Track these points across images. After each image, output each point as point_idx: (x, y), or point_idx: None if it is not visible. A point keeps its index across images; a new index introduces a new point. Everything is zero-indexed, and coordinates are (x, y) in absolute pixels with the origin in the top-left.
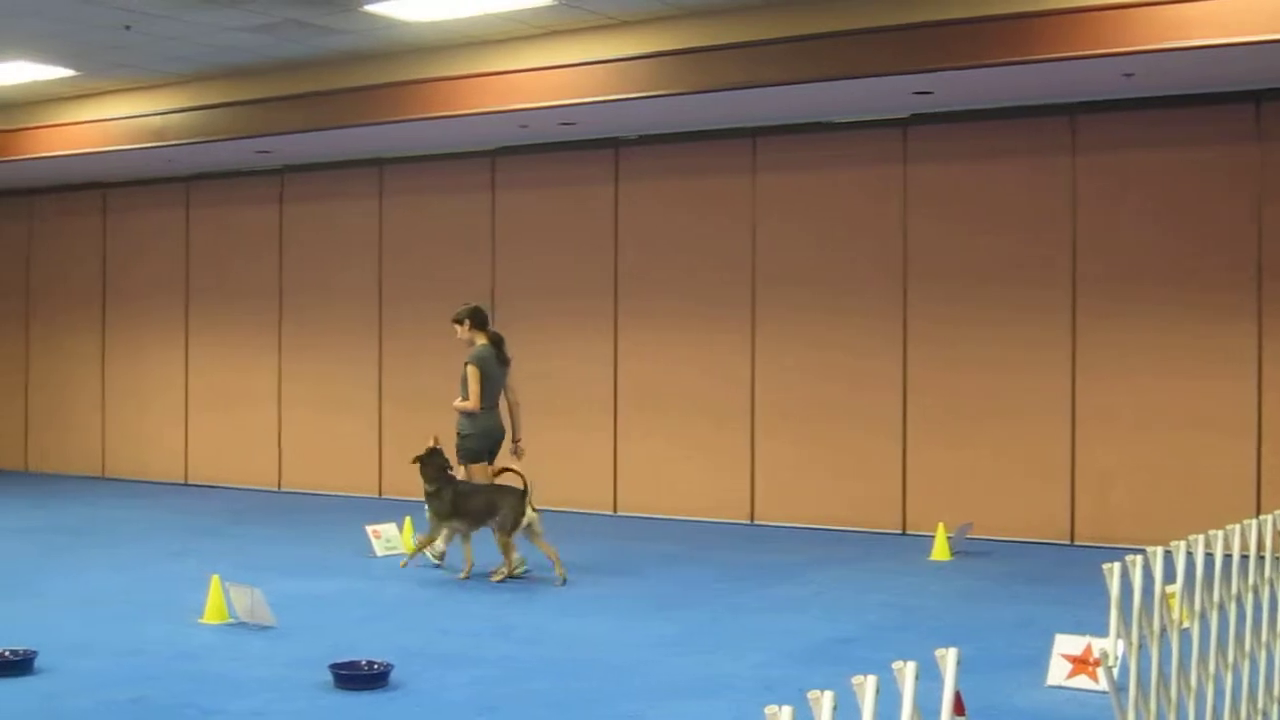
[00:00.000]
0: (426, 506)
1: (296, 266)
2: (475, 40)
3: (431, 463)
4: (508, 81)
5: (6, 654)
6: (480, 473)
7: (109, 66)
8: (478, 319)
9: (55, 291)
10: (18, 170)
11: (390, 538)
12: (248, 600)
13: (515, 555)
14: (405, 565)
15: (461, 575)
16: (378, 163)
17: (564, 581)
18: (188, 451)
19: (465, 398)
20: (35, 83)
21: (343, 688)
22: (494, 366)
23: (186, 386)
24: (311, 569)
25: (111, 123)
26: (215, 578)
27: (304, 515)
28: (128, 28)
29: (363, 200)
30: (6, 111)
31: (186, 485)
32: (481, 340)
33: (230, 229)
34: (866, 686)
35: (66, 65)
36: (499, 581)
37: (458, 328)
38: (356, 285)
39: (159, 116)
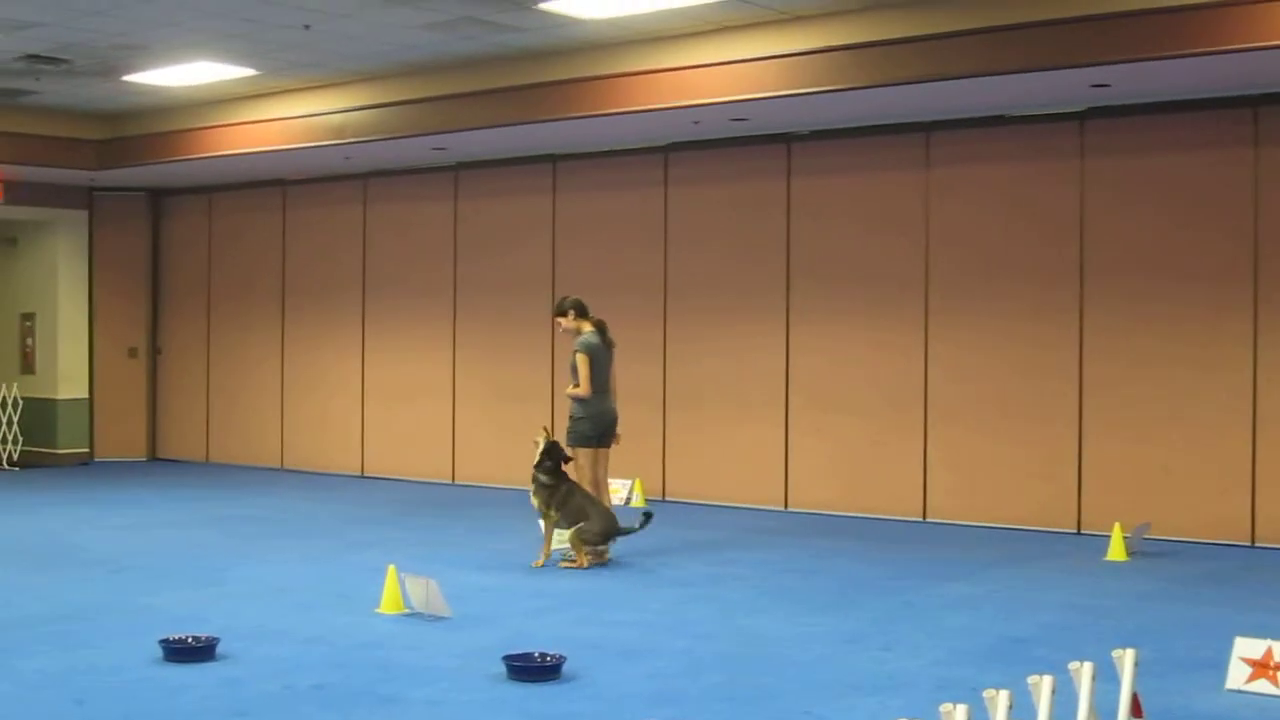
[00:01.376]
0: (535, 497)
1: (471, 262)
2: (649, 36)
3: (552, 455)
4: (681, 77)
5: (190, 640)
6: (587, 457)
7: (289, 66)
8: (580, 309)
9: (235, 287)
10: (200, 168)
11: (562, 531)
12: (423, 591)
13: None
14: (540, 565)
15: (537, 563)
16: (551, 159)
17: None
18: (364, 444)
19: (576, 384)
20: (217, 82)
21: (516, 679)
22: (602, 353)
23: (363, 380)
24: (485, 561)
25: (291, 121)
26: (392, 569)
27: (477, 508)
28: (307, 27)
29: (537, 196)
30: (189, 111)
31: (363, 478)
32: (587, 328)
33: (406, 225)
34: (1043, 686)
35: (247, 65)
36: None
37: (561, 320)
38: (530, 280)
39: (338, 115)
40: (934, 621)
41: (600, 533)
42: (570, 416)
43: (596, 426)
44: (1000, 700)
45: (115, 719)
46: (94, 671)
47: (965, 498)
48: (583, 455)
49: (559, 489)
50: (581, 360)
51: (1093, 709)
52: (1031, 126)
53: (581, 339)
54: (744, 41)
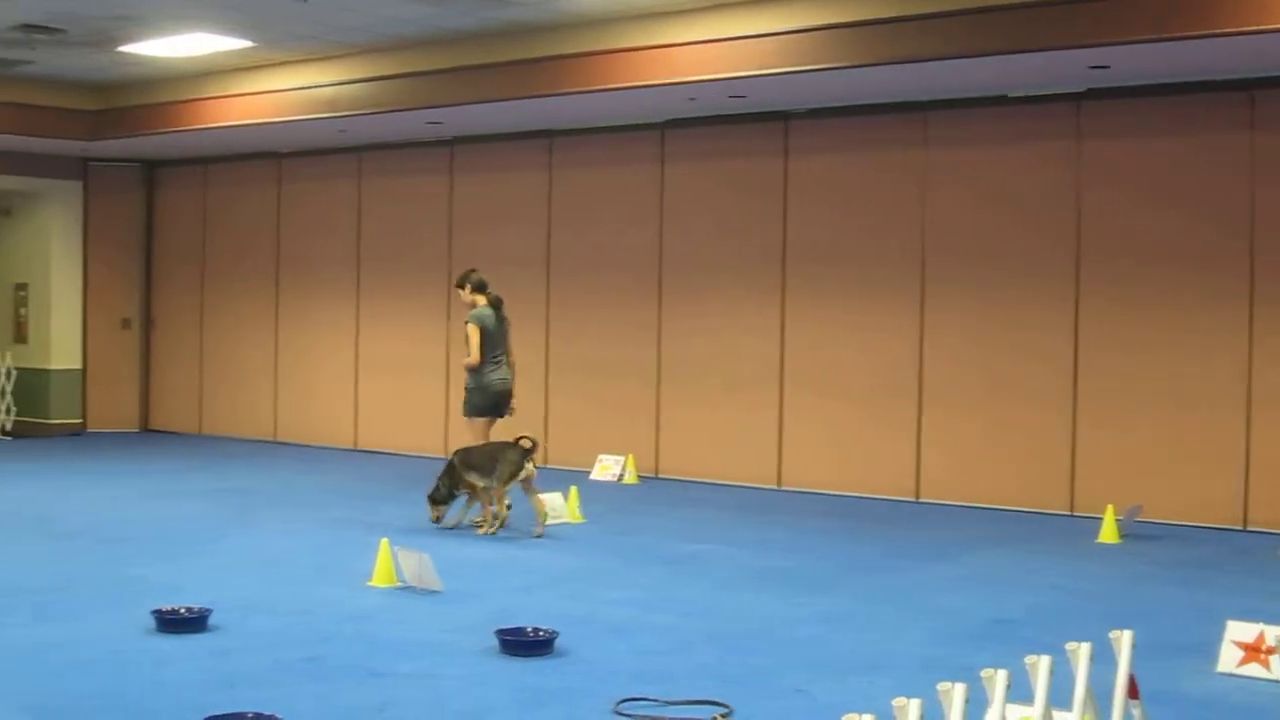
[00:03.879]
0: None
1: (464, 236)
2: (645, 13)
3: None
4: (678, 54)
5: (183, 611)
6: (480, 427)
7: (284, 38)
8: (479, 285)
9: (229, 259)
10: (195, 140)
11: (556, 506)
12: (415, 565)
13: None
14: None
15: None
16: (547, 134)
17: (539, 535)
18: (357, 417)
19: (469, 355)
20: (213, 54)
21: (509, 653)
22: (494, 325)
23: (357, 353)
24: (479, 536)
25: (286, 93)
26: (384, 542)
27: None
28: (304, 0)
29: (532, 172)
30: (184, 82)
31: (356, 450)
32: (482, 302)
33: (401, 199)
34: (1040, 666)
35: (243, 36)
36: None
37: (460, 292)
38: (524, 256)
39: (332, 88)
40: (924, 601)
41: (512, 467)
42: (465, 388)
43: (486, 397)
44: (998, 679)
45: (107, 689)
46: (83, 642)
47: (958, 478)
48: (476, 425)
49: (454, 464)
50: (471, 330)
51: (1089, 690)
52: (1030, 107)
53: (474, 311)
54: (741, 18)
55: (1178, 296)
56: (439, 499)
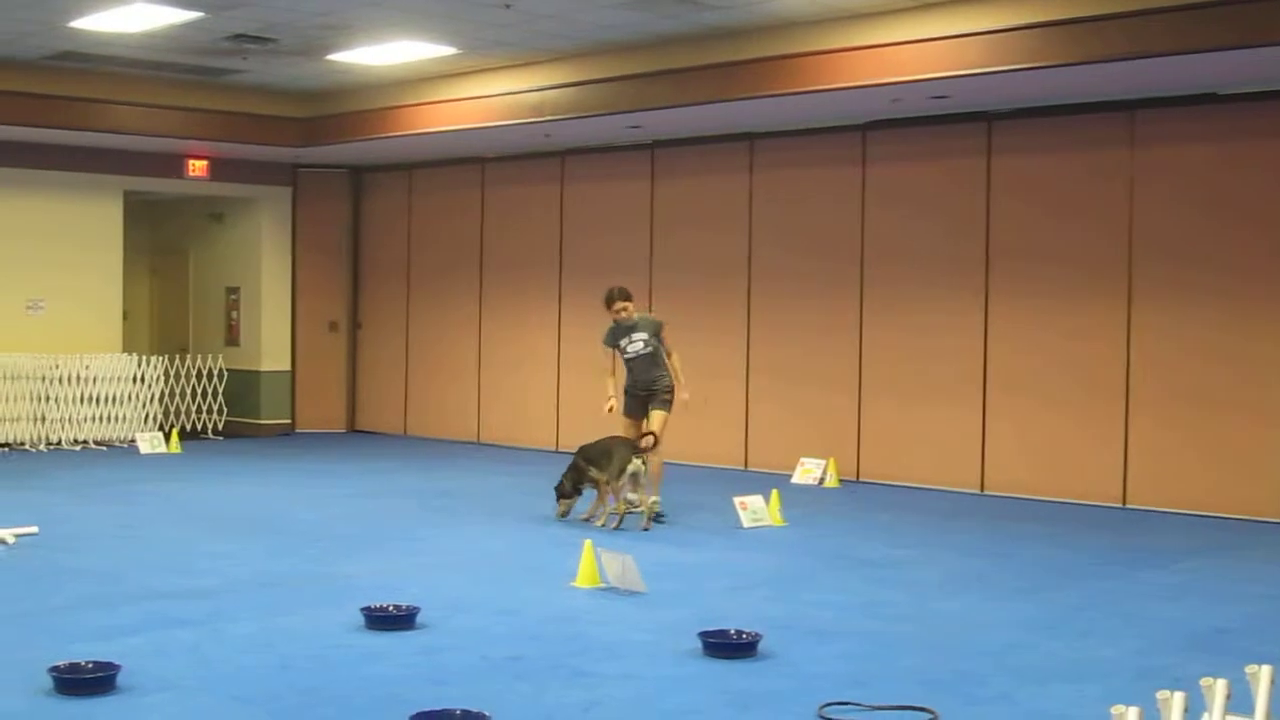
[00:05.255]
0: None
1: (666, 239)
2: (847, 14)
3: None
4: (880, 55)
5: (392, 609)
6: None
7: (488, 44)
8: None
9: (434, 263)
10: (401, 146)
11: (757, 509)
12: (619, 566)
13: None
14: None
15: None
16: (748, 137)
17: (645, 529)
18: (559, 419)
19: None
20: (418, 61)
21: (712, 655)
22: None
23: (559, 356)
24: (681, 538)
25: (491, 99)
26: (588, 543)
27: (673, 486)
28: (508, 6)
29: (733, 174)
30: (390, 89)
31: (558, 452)
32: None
33: (602, 202)
34: (1261, 676)
35: (448, 43)
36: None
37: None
38: (726, 258)
39: (536, 93)
40: (1134, 609)
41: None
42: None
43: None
44: (1218, 689)
45: (318, 684)
46: (297, 637)
47: (1165, 485)
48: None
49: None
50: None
51: None
52: (1240, 105)
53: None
54: (944, 18)
55: None
56: (564, 493)
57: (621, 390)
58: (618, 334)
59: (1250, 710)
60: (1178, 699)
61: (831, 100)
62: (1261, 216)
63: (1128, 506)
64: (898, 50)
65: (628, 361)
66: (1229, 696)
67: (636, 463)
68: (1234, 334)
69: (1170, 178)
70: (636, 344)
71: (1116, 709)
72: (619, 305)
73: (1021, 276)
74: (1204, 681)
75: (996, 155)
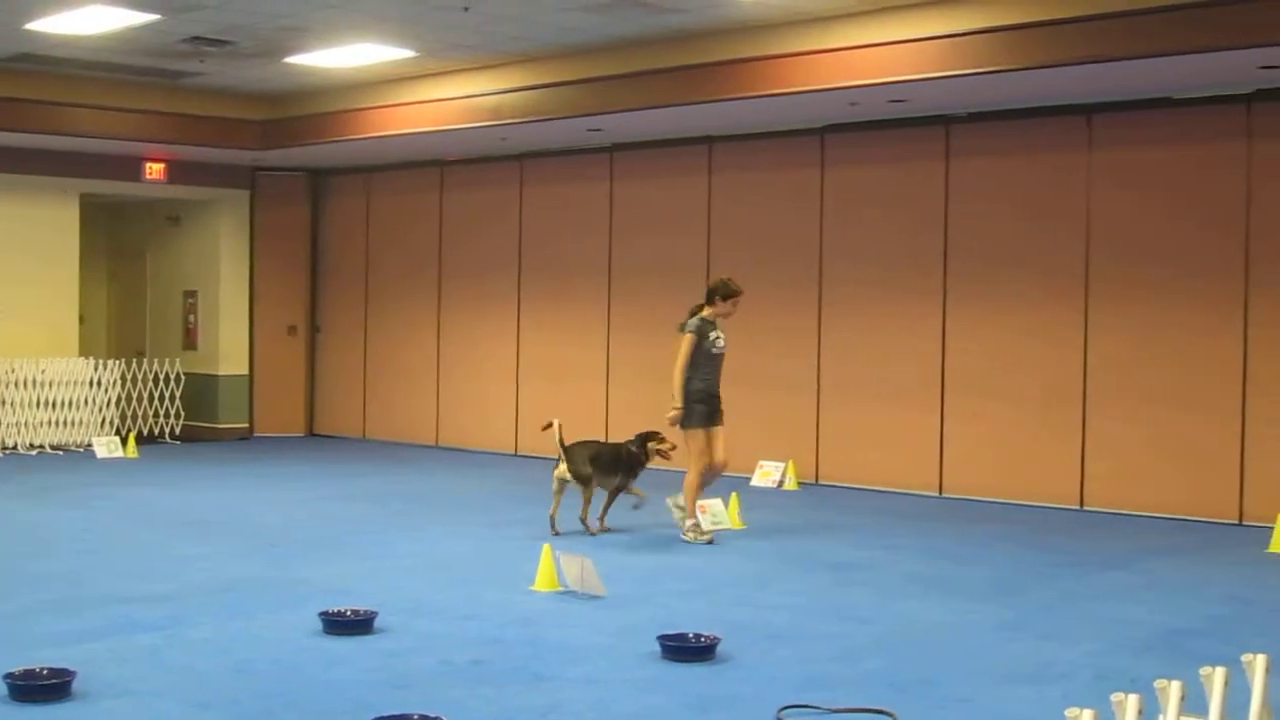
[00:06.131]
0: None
1: (626, 243)
2: (806, 17)
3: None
4: (838, 59)
5: (349, 613)
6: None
7: (447, 47)
8: (720, 291)
9: (393, 267)
10: (360, 149)
11: (716, 513)
12: (578, 570)
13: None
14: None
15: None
16: (707, 140)
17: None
18: (518, 422)
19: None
20: (377, 64)
21: (671, 659)
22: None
23: (518, 360)
24: (639, 541)
25: (449, 102)
26: (547, 546)
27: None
28: (466, 9)
29: (692, 177)
30: (350, 92)
31: (516, 456)
32: (708, 312)
33: (561, 205)
34: (1215, 678)
35: (407, 46)
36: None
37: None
38: (685, 261)
39: (494, 96)
40: (1092, 611)
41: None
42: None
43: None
44: (1172, 691)
45: (277, 689)
46: (256, 642)
47: (1123, 486)
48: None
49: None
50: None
51: (1266, 703)
52: (1196, 109)
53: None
54: (903, 22)
55: None
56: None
57: (688, 398)
58: (707, 328)
59: (1206, 712)
60: (1132, 701)
61: (790, 104)
62: (1217, 219)
63: (1085, 508)
64: (856, 54)
65: (711, 361)
66: (1184, 698)
67: (561, 467)
68: (1191, 335)
69: (1127, 180)
70: (722, 341)
71: (1071, 712)
72: (737, 300)
73: (980, 278)
74: (1159, 683)
75: (955, 158)
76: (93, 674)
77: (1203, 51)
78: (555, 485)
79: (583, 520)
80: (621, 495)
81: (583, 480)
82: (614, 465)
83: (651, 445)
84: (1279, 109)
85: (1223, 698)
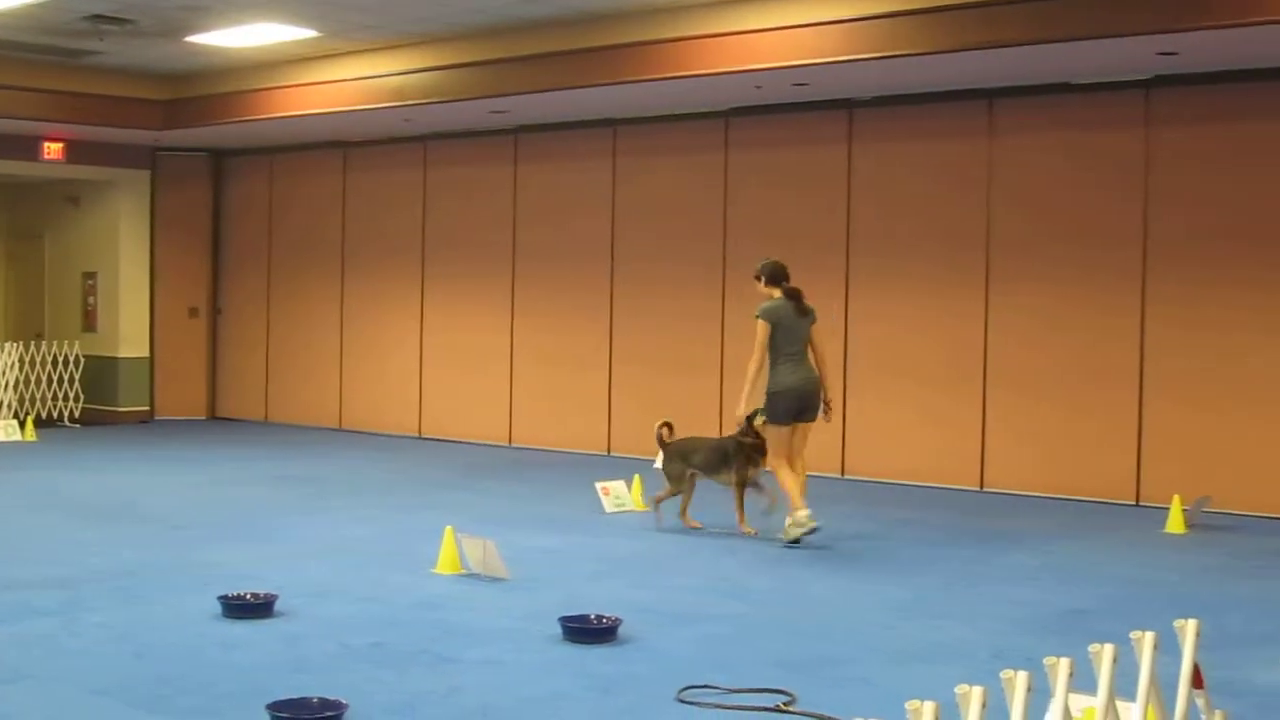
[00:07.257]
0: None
1: (530, 225)
2: (710, 1)
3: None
4: (742, 42)
5: (249, 596)
6: (777, 435)
7: (350, 28)
8: (768, 272)
9: (295, 248)
10: (262, 129)
11: (619, 495)
12: (480, 552)
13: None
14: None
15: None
16: (611, 123)
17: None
18: (422, 406)
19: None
20: (280, 44)
21: (572, 640)
22: (789, 319)
23: (421, 342)
24: (542, 524)
25: (352, 83)
26: (449, 529)
27: (534, 471)
28: None
29: (597, 160)
30: (252, 72)
31: (421, 439)
32: (776, 294)
33: (465, 188)
34: (1104, 655)
35: (309, 26)
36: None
37: (756, 284)
38: (589, 245)
39: (397, 77)
40: (990, 591)
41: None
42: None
43: (783, 401)
44: (1061, 668)
45: (175, 673)
46: (154, 627)
47: (1023, 467)
48: (772, 433)
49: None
50: (760, 327)
51: (1154, 679)
52: (1096, 95)
53: (763, 305)
54: (806, 6)
55: (1249, 278)
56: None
57: (761, 391)
58: (787, 312)
59: (1095, 689)
60: (1021, 678)
61: (694, 86)
62: (1114, 201)
63: (986, 490)
64: (759, 37)
65: (798, 348)
66: (1072, 675)
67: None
68: (1092, 313)
69: (1024, 165)
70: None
71: (961, 688)
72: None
73: (883, 261)
74: (1048, 660)
75: (858, 141)
76: None
77: (1102, 37)
78: (675, 483)
79: (681, 516)
80: (752, 492)
81: (671, 477)
82: (718, 460)
83: (756, 424)
84: (1177, 95)
85: (1111, 674)
